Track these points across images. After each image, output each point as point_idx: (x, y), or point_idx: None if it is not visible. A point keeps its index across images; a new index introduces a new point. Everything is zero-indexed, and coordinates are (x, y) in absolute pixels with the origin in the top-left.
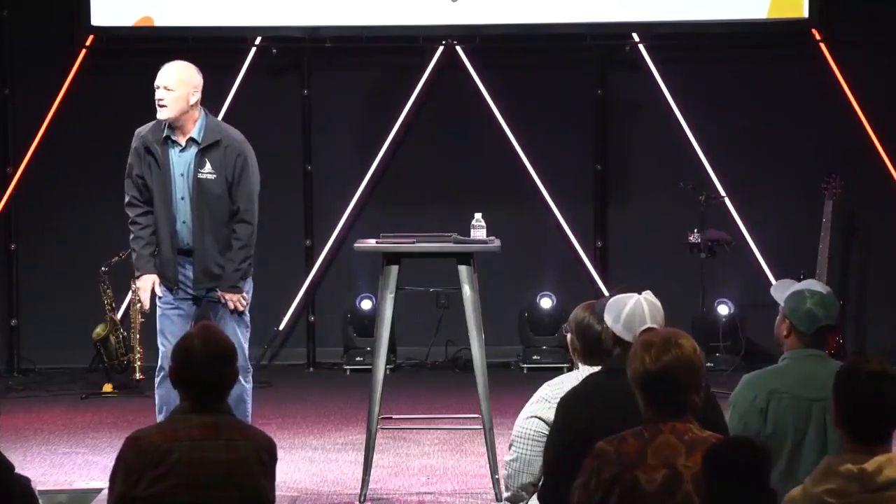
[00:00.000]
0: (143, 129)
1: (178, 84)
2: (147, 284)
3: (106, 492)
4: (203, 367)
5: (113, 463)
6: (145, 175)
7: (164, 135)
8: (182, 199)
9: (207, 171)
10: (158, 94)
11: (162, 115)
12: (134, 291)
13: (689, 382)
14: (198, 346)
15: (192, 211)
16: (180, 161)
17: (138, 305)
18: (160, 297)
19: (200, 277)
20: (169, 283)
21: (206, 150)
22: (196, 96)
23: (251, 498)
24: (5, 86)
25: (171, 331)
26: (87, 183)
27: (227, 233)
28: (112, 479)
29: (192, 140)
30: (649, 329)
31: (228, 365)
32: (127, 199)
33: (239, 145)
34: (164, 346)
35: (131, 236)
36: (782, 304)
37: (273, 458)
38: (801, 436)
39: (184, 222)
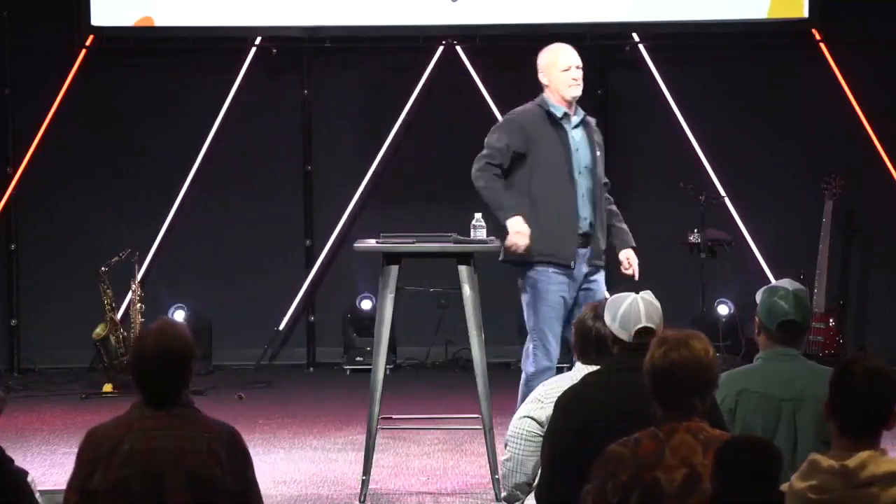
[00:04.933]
0: (517, 115)
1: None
2: (523, 226)
3: None
4: (152, 368)
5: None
6: (530, 152)
7: (563, 113)
8: (579, 174)
9: (598, 143)
10: (575, 74)
11: (577, 92)
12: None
13: (693, 385)
14: (149, 345)
15: (592, 186)
16: (575, 137)
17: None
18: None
19: (597, 253)
20: (567, 259)
21: (586, 124)
22: None
23: (202, 486)
24: (5, 86)
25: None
26: (87, 183)
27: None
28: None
29: (576, 116)
30: (645, 328)
31: (180, 368)
32: (485, 162)
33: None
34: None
35: (489, 175)
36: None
37: (232, 448)
38: (770, 436)
39: (583, 196)
